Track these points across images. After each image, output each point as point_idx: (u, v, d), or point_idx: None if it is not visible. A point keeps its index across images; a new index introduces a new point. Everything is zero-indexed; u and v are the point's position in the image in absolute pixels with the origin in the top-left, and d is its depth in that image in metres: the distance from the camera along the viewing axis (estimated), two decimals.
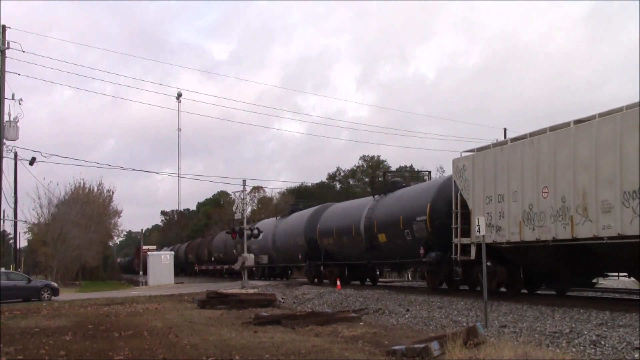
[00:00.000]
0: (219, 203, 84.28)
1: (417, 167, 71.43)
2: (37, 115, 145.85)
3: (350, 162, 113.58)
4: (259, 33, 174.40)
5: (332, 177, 76.40)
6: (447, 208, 19.88)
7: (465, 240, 18.56)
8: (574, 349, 10.15)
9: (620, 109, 14.11)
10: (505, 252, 17.67)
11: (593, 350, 10.02)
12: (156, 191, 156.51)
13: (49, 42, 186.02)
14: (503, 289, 18.93)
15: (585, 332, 11.14)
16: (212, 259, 52.53)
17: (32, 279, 33.19)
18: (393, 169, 73.68)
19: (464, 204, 18.94)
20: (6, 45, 27.77)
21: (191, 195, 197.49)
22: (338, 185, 74.07)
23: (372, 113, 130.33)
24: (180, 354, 11.06)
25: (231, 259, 44.77)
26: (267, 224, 39.69)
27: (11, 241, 57.24)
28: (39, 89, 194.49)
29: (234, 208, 39.03)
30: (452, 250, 19.09)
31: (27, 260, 67.59)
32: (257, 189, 75.16)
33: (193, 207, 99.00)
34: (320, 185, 73.44)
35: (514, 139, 17.61)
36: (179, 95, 77.53)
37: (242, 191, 34.75)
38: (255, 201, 76.82)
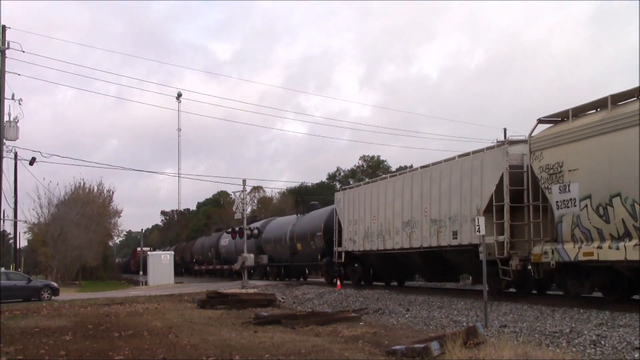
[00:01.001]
0: (219, 203, 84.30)
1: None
2: (40, 115, 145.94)
3: (352, 162, 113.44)
4: (263, 33, 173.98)
5: (332, 177, 76.43)
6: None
7: (340, 249, 27.26)
8: (574, 349, 10.14)
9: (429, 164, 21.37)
10: (358, 257, 26.42)
11: (593, 350, 10.01)
12: (158, 191, 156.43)
13: (53, 42, 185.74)
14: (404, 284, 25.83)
15: (585, 332, 11.13)
16: (194, 260, 59.44)
17: (32, 279, 33.16)
18: (393, 169, 73.79)
19: (340, 224, 27.45)
20: (6, 46, 27.76)
21: (193, 195, 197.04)
22: (338, 185, 74.10)
23: (375, 113, 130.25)
24: (180, 354, 11.05)
25: (208, 259, 53.73)
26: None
27: (11, 241, 57.26)
28: (43, 90, 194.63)
29: (234, 208, 39.25)
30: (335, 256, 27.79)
31: (27, 260, 67.50)
32: (257, 189, 75.25)
33: (194, 207, 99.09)
34: (321, 185, 73.47)
35: (365, 183, 26.96)
36: (179, 95, 77.53)
37: (242, 191, 34.76)
38: (255, 201, 76.93)
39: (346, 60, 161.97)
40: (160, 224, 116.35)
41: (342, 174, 76.30)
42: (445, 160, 20.13)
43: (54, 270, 50.25)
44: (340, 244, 27.14)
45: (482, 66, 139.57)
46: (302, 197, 49.29)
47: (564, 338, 10.94)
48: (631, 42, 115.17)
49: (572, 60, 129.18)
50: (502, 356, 9.00)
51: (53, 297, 29.50)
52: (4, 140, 28.22)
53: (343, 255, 26.87)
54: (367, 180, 26.92)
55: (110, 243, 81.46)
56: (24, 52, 28.59)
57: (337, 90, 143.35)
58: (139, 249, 70.22)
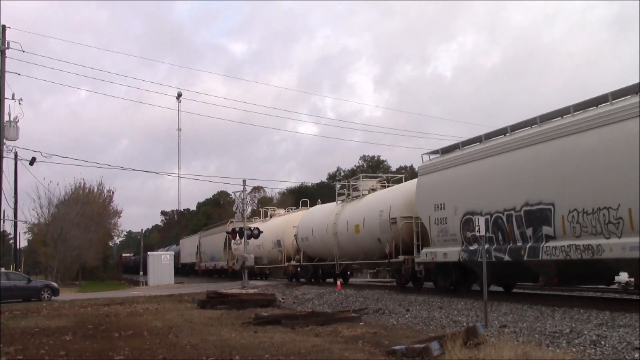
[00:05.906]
0: (218, 203, 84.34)
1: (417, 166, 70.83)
2: (55, 115, 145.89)
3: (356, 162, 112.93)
4: (281, 33, 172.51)
5: (332, 177, 76.40)
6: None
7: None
8: (574, 349, 10.14)
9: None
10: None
11: (593, 350, 10.01)
12: (167, 191, 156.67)
13: (69, 43, 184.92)
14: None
15: (585, 332, 11.13)
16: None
17: (32, 279, 33.17)
18: (393, 169, 73.83)
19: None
20: (6, 45, 27.78)
21: (198, 195, 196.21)
22: (338, 185, 74.01)
23: (388, 113, 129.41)
24: (180, 354, 11.05)
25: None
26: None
27: (11, 241, 57.24)
28: (59, 90, 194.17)
29: (234, 208, 39.26)
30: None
31: (27, 260, 67.51)
32: (257, 189, 75.27)
33: (194, 207, 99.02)
34: (321, 185, 73.49)
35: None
36: (179, 95, 77.87)
37: (242, 191, 34.77)
38: (256, 201, 76.93)
39: (362, 60, 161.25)
40: (160, 224, 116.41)
41: (342, 173, 76.27)
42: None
43: (54, 271, 50.26)
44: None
45: (498, 66, 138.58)
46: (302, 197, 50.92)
47: (564, 338, 10.94)
48: None
49: (590, 61, 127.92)
50: (502, 356, 9.00)
51: (53, 297, 29.49)
52: (4, 140, 28.23)
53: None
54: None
55: (111, 243, 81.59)
56: (24, 51, 28.68)
57: (351, 90, 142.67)
58: (124, 254, 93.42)
